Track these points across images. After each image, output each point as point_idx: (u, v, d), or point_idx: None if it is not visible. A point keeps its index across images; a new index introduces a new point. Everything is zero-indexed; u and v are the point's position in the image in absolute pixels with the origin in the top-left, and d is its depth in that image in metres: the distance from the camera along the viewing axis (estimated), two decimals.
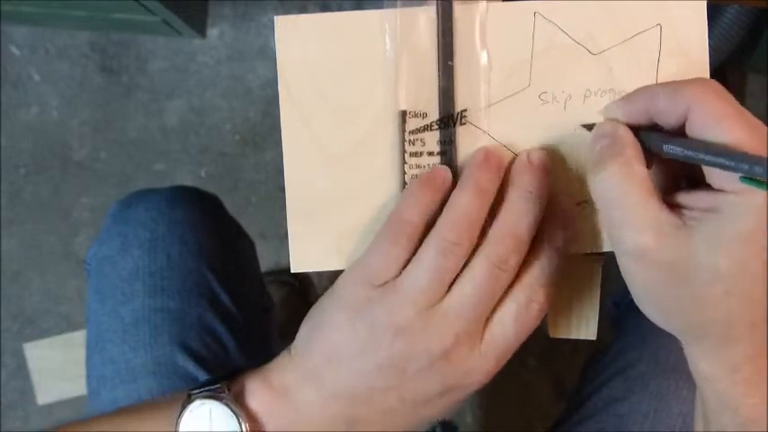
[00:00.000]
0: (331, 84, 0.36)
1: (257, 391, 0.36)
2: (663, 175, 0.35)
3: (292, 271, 0.37)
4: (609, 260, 0.38)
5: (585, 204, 0.37)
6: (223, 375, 0.37)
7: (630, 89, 0.35)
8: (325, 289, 0.36)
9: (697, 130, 0.31)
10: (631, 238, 0.31)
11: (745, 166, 0.28)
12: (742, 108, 0.31)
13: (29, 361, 1.16)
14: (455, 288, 0.34)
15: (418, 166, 0.36)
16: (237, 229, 0.67)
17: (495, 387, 1.12)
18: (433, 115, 0.36)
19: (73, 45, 1.17)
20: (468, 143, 0.36)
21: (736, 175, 0.29)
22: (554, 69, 0.36)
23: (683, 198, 0.33)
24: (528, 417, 1.11)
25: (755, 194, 0.29)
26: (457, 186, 0.35)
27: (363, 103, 0.36)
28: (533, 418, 1.11)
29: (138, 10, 0.93)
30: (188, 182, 1.15)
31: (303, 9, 1.13)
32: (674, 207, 0.32)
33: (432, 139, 0.36)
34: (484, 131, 0.36)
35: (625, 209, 0.31)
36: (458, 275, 0.34)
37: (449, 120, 0.36)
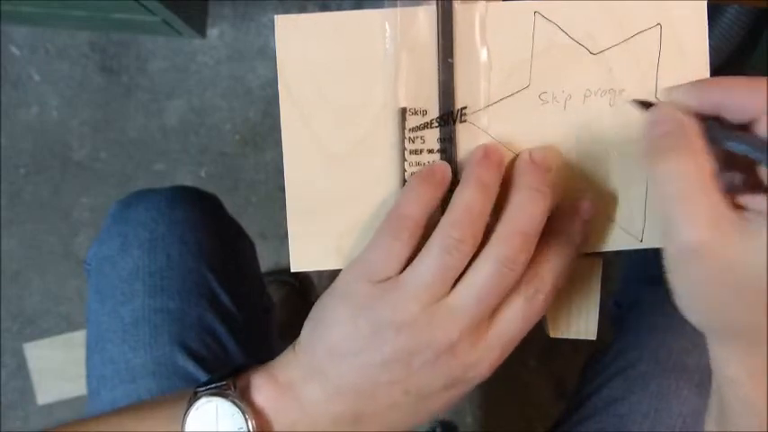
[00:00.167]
0: (331, 83, 0.36)
1: (263, 387, 0.36)
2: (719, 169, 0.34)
3: (292, 270, 0.37)
4: (609, 260, 0.38)
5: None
6: (229, 372, 0.37)
7: (630, 89, 0.35)
8: (325, 288, 0.36)
9: None
10: (692, 233, 0.29)
11: None
12: None
13: (29, 361, 1.16)
14: (462, 285, 0.34)
15: (418, 164, 0.36)
16: (237, 229, 0.67)
17: (495, 387, 1.12)
18: (433, 113, 0.36)
19: (73, 45, 1.17)
20: (467, 141, 0.36)
21: None
22: (554, 69, 0.36)
23: (744, 198, 0.32)
24: (528, 417, 1.11)
25: None
26: (459, 184, 0.34)
27: (363, 102, 0.36)
28: (533, 418, 1.11)
29: (138, 10, 0.93)
30: (188, 182, 1.15)
31: (303, 9, 1.13)
32: (734, 206, 0.31)
33: (432, 137, 0.36)
34: (483, 131, 0.36)
35: (688, 202, 0.30)
36: (464, 273, 0.34)
37: (449, 117, 0.36)
